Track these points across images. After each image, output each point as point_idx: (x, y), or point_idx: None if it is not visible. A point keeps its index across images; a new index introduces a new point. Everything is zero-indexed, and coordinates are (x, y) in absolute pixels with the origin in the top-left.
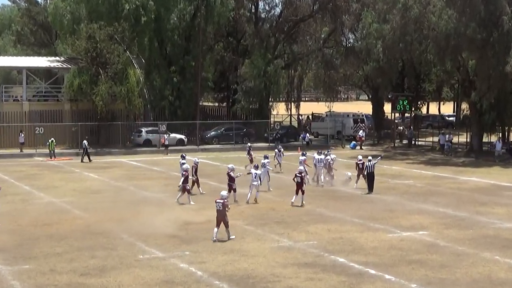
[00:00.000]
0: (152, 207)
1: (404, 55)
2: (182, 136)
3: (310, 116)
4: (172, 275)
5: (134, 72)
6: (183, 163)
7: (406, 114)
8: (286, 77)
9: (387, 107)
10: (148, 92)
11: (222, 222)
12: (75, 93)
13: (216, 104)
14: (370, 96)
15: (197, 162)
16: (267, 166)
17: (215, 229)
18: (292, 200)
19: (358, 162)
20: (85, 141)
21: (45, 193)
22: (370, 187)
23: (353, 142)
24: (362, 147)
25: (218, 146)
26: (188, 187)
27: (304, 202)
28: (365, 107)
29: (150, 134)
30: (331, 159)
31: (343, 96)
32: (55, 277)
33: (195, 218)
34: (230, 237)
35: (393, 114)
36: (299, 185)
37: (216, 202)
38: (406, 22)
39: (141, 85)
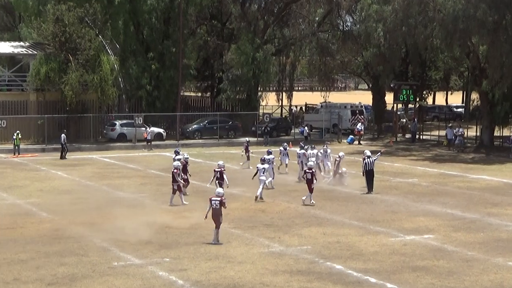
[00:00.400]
0: (127, 209)
1: (408, 39)
2: (161, 130)
3: (304, 108)
4: (150, 284)
5: (108, 59)
6: (178, 159)
7: (410, 105)
8: (277, 64)
9: (389, 98)
10: (123, 81)
11: (215, 221)
12: (41, 82)
13: (199, 94)
14: (370, 85)
15: (187, 158)
16: (272, 163)
17: (214, 234)
18: (303, 198)
19: (337, 159)
20: (63, 135)
21: (8, 194)
22: (370, 187)
23: (351, 136)
24: (361, 141)
25: (200, 141)
26: (176, 186)
27: (313, 202)
28: (364, 98)
29: (125, 128)
30: (339, 156)
31: (340, 85)
32: (20, 287)
33: (176, 220)
34: (218, 241)
35: (395, 105)
36: (310, 182)
37: (211, 200)
38: (410, 3)
39: (115, 73)
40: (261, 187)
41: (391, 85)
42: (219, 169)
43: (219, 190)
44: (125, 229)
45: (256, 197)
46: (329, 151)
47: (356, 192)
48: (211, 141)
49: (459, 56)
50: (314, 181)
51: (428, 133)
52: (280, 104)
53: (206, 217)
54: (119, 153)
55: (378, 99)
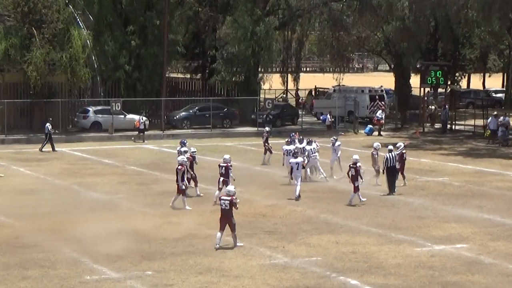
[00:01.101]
0: (102, 213)
1: (437, 11)
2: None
3: (313, 92)
4: None
5: (79, 34)
6: (185, 151)
7: (440, 90)
8: (281, 40)
9: (415, 80)
10: (98, 60)
11: (228, 225)
12: (0, 61)
13: (188, 76)
14: (392, 66)
15: (194, 152)
16: (315, 155)
17: (219, 234)
18: (351, 200)
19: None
20: (48, 124)
21: None
22: (392, 187)
23: (369, 126)
24: (381, 132)
25: (189, 131)
26: (184, 187)
27: (363, 199)
28: (385, 80)
29: (100, 115)
30: (375, 148)
31: (356, 66)
32: None
33: (161, 227)
34: (237, 244)
35: (422, 89)
36: (354, 179)
37: (220, 199)
38: None
39: (88, 51)
40: (298, 185)
41: (417, 66)
42: (225, 164)
43: (230, 188)
44: (99, 237)
45: (296, 198)
46: (338, 144)
47: (375, 194)
48: (202, 131)
49: (498, 30)
50: (360, 179)
51: (462, 122)
52: (285, 87)
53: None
54: (92, 146)
55: (402, 82)
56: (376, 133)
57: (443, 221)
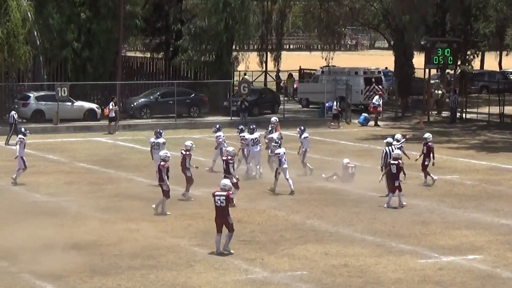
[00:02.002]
0: (45, 218)
1: None
2: (94, 106)
3: (297, 74)
4: None
5: (18, 5)
6: (163, 143)
7: (449, 71)
8: (260, 12)
9: (419, 60)
10: (41, 36)
11: (224, 225)
12: None
13: (148, 55)
14: (391, 43)
15: (191, 146)
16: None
17: (217, 237)
18: (390, 203)
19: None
20: (14, 113)
21: None
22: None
23: (364, 114)
24: (378, 122)
25: (150, 121)
26: (167, 187)
27: (404, 203)
28: (383, 60)
29: (43, 103)
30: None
31: (348, 43)
32: None
33: (117, 236)
34: (230, 250)
35: (427, 70)
36: (394, 178)
37: (215, 195)
38: None
39: (28, 25)
40: (290, 180)
41: (422, 43)
42: (225, 158)
43: (225, 181)
44: (43, 248)
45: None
46: (305, 135)
47: (371, 194)
48: (165, 121)
49: None
50: (403, 176)
51: (474, 110)
52: (263, 68)
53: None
54: (34, 139)
55: (403, 62)
56: (372, 123)
57: (452, 227)
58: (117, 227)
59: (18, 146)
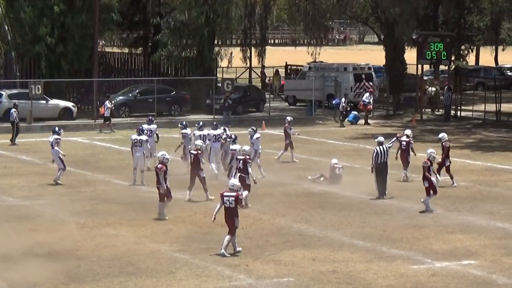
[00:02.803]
0: (18, 223)
1: None
2: (69, 104)
3: (283, 70)
4: None
5: None
6: (256, 137)
7: (442, 67)
8: (243, 5)
9: (410, 55)
10: (12, 31)
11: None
12: None
13: (126, 51)
14: (381, 37)
15: (202, 146)
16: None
17: (226, 241)
18: (427, 207)
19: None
20: (14, 111)
21: None
22: (382, 188)
23: (354, 112)
24: (369, 120)
25: (128, 119)
26: (164, 190)
27: (431, 209)
28: (373, 55)
29: (16, 101)
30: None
31: (336, 37)
32: None
33: (94, 241)
34: (237, 250)
35: (420, 66)
36: (431, 183)
37: (223, 196)
38: None
39: None
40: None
41: (414, 37)
42: (243, 157)
43: (234, 181)
44: (15, 253)
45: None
46: (256, 136)
47: (361, 197)
48: (144, 120)
49: None
50: (436, 177)
51: (470, 107)
52: (247, 65)
53: (214, 218)
54: (6, 139)
55: (394, 57)
56: (362, 121)
57: (446, 231)
58: (94, 232)
59: (56, 148)
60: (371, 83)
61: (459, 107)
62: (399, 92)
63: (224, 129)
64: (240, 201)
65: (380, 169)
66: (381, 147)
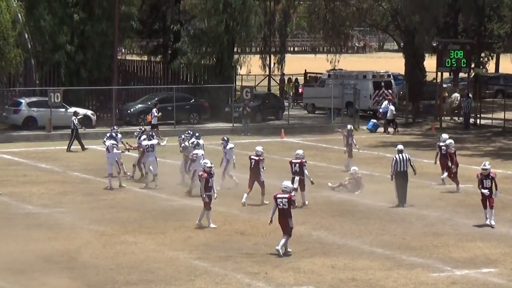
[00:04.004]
0: (37, 230)
1: None
2: (88, 112)
3: (293, 79)
4: None
5: (8, 5)
6: (230, 147)
7: (462, 74)
8: (262, 13)
9: (430, 63)
10: (32, 39)
11: (283, 227)
12: None
13: (146, 59)
14: (401, 45)
15: (262, 152)
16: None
17: (283, 240)
18: (490, 222)
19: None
20: (74, 118)
21: None
22: (402, 196)
23: (373, 120)
24: (389, 128)
25: (147, 127)
26: (207, 199)
27: (493, 222)
28: (393, 63)
29: (35, 109)
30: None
31: (356, 45)
32: None
33: (113, 248)
34: (287, 252)
35: (439, 74)
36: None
37: (276, 198)
38: None
39: (19, 27)
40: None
41: (433, 45)
42: (298, 161)
43: (287, 183)
44: (34, 261)
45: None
46: (230, 146)
47: (380, 205)
48: (164, 128)
49: None
50: (495, 192)
51: (489, 115)
52: (267, 72)
53: (271, 221)
54: (26, 147)
55: (414, 65)
56: (381, 129)
57: (465, 239)
58: (113, 240)
59: (116, 151)
60: (390, 91)
61: (478, 115)
62: (418, 100)
63: (142, 131)
64: (293, 202)
65: (400, 177)
66: (400, 155)
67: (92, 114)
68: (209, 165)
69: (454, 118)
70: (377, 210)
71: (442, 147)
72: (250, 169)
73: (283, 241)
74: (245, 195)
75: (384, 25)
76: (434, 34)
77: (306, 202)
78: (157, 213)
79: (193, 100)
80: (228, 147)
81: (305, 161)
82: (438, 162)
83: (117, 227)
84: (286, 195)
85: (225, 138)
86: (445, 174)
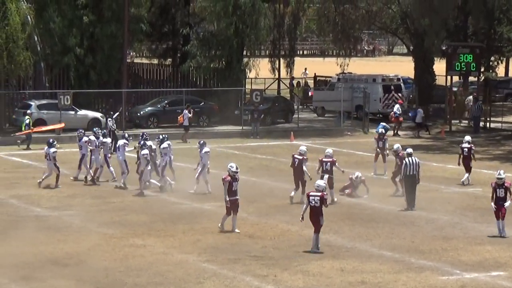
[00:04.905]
0: (46, 233)
1: None
2: (98, 114)
3: (301, 82)
4: None
5: (18, 8)
6: (205, 151)
7: (472, 78)
8: (272, 15)
9: (440, 66)
10: (41, 42)
11: (314, 223)
12: None
13: (155, 62)
14: (410, 48)
15: (305, 151)
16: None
17: (314, 238)
18: (503, 234)
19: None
20: (109, 119)
21: None
22: (411, 200)
23: (383, 124)
24: (399, 132)
25: (157, 130)
26: (227, 201)
27: (506, 233)
28: (403, 67)
29: (45, 111)
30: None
31: (365, 48)
32: None
33: (122, 251)
34: (318, 249)
35: (449, 77)
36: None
37: (309, 196)
38: None
39: (29, 30)
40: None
41: (443, 48)
42: (329, 160)
43: (320, 182)
44: (42, 263)
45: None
46: (205, 150)
47: (390, 208)
48: (173, 130)
49: None
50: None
51: (499, 119)
52: (276, 76)
53: (302, 218)
54: (35, 149)
55: (423, 68)
56: (391, 132)
57: (475, 242)
58: (122, 242)
59: (122, 150)
60: (400, 94)
61: (488, 119)
62: (428, 103)
63: (104, 134)
64: (325, 201)
65: (409, 181)
66: (410, 158)
67: (101, 117)
68: (234, 169)
69: (457, 121)
70: (386, 213)
71: (464, 148)
72: (293, 168)
73: (314, 239)
74: (293, 192)
75: (394, 29)
76: (443, 37)
77: (335, 199)
78: (166, 216)
79: (202, 103)
80: (203, 151)
81: (336, 160)
82: (461, 163)
83: (126, 229)
84: (319, 194)
85: (201, 141)
86: (467, 175)
